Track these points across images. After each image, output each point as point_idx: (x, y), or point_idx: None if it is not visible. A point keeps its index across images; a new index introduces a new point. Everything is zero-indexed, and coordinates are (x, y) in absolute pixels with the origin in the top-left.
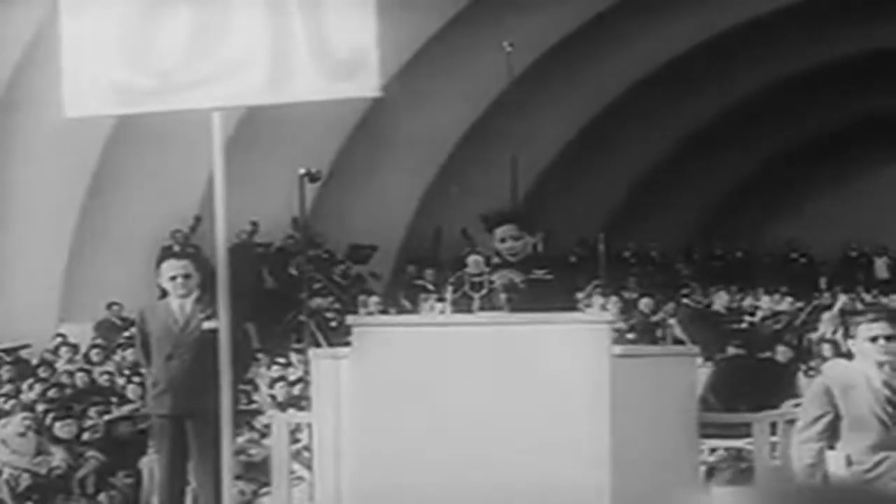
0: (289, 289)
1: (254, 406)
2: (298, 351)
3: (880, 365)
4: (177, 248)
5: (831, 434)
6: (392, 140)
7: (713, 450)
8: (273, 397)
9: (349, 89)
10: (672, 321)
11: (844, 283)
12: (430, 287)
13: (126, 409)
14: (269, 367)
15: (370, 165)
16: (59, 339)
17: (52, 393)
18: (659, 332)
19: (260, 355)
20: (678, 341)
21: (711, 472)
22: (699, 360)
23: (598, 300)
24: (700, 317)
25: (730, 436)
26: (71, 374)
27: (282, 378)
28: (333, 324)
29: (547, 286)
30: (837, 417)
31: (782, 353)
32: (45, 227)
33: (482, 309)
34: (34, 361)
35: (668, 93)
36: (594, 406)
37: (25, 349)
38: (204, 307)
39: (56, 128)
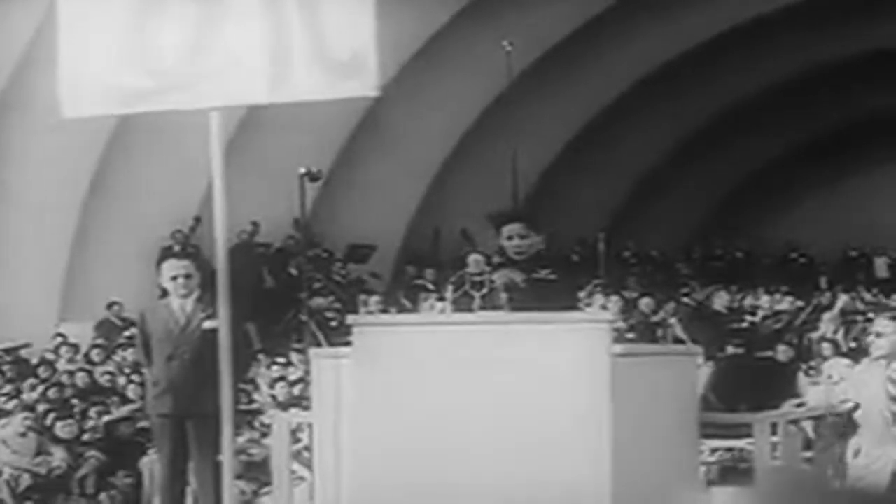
0: (289, 289)
1: (254, 406)
2: (299, 351)
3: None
4: (177, 249)
5: None
6: (392, 140)
7: (714, 450)
8: (273, 397)
9: (348, 88)
10: (672, 321)
11: (844, 283)
12: (430, 286)
13: (126, 409)
14: (269, 367)
15: (370, 165)
16: (59, 339)
17: (52, 393)
18: (659, 332)
19: (260, 355)
20: (678, 341)
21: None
22: (699, 360)
23: (598, 300)
24: (700, 316)
25: (730, 436)
26: (71, 374)
27: (282, 378)
28: (333, 323)
29: (550, 286)
30: None
31: (783, 353)
32: (45, 227)
33: (483, 308)
34: (34, 361)
35: (668, 93)
36: (594, 406)
37: (25, 349)
38: (204, 307)
39: (56, 128)
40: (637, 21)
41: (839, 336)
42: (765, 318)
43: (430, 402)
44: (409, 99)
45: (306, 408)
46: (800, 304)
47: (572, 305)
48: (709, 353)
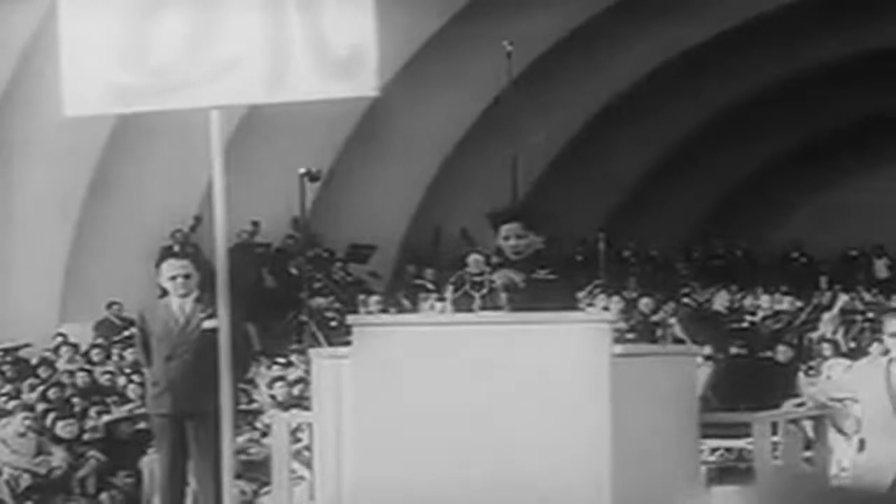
0: (289, 289)
1: (254, 406)
2: (298, 352)
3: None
4: (177, 248)
5: None
6: (392, 140)
7: (714, 450)
8: (273, 397)
9: (348, 89)
10: (672, 321)
11: (844, 283)
12: (430, 286)
13: (126, 408)
14: (269, 368)
15: (370, 165)
16: (59, 339)
17: (52, 393)
18: (659, 332)
19: (260, 356)
20: (678, 341)
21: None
22: (699, 360)
23: (600, 300)
24: (700, 316)
25: (730, 436)
26: (71, 373)
27: (281, 378)
28: (334, 323)
29: (549, 286)
30: None
31: (783, 353)
32: (45, 227)
33: (483, 308)
34: (34, 361)
35: (668, 92)
36: (594, 406)
37: (26, 349)
38: (204, 307)
39: (56, 127)
40: (637, 21)
41: (839, 336)
42: (765, 318)
43: (429, 401)
44: (409, 99)
45: (306, 408)
46: (800, 304)
47: (572, 305)
48: (709, 353)
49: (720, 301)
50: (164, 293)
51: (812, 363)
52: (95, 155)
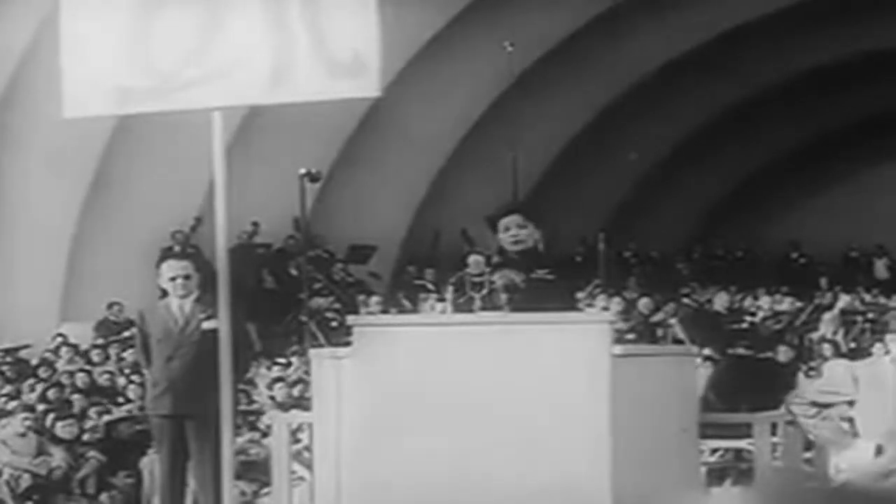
0: (289, 289)
1: (254, 406)
2: (298, 353)
3: None
4: (177, 249)
5: None
6: (392, 140)
7: (714, 450)
8: (272, 398)
9: (349, 89)
10: (672, 321)
11: (845, 283)
12: (431, 287)
13: (126, 409)
14: (269, 369)
15: (370, 165)
16: (59, 339)
17: (52, 393)
18: (659, 333)
19: (260, 357)
20: (678, 341)
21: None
22: (699, 360)
23: (600, 300)
24: (701, 317)
25: (730, 436)
26: (71, 374)
27: (281, 379)
28: (334, 324)
29: (548, 286)
30: None
31: (783, 353)
32: (45, 228)
33: (483, 309)
34: (34, 361)
35: (668, 93)
36: (594, 406)
37: (25, 349)
38: (204, 307)
39: (57, 128)
40: (637, 21)
41: (839, 337)
42: (765, 318)
43: (430, 402)
44: (409, 99)
45: (306, 408)
46: (800, 304)
47: (571, 306)
48: (709, 353)
49: (720, 302)
50: (165, 294)
51: (812, 364)
52: (95, 155)
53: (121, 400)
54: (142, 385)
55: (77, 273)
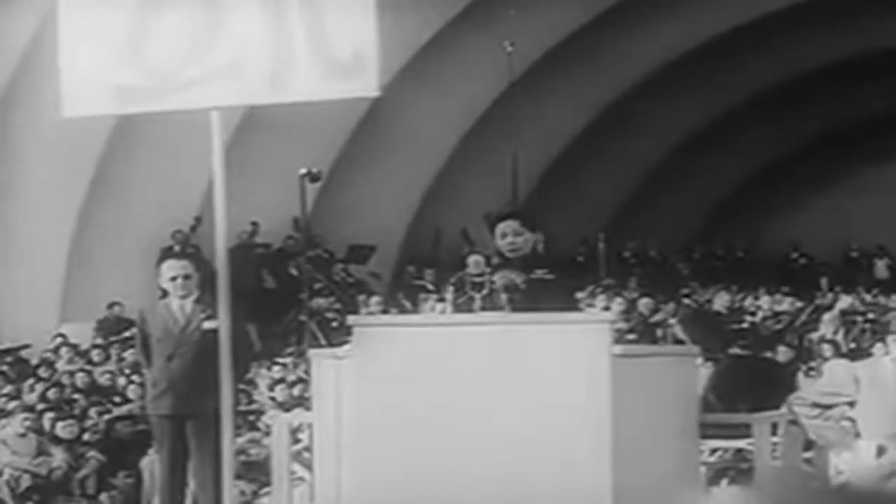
0: (289, 289)
1: (254, 406)
2: (298, 353)
3: None
4: (177, 249)
5: None
6: (392, 140)
7: (714, 450)
8: (273, 398)
9: (349, 89)
10: (673, 321)
11: (845, 283)
12: (431, 287)
13: (126, 409)
14: (268, 369)
15: (370, 165)
16: (59, 339)
17: (52, 393)
18: (659, 333)
19: (260, 358)
20: (679, 342)
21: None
22: (699, 360)
23: (600, 300)
24: (701, 317)
25: (730, 436)
26: (71, 374)
27: (282, 380)
28: (334, 324)
29: (547, 286)
30: None
31: (783, 354)
32: (45, 228)
33: (483, 309)
34: (34, 361)
35: (669, 93)
36: (594, 406)
37: (25, 349)
38: (204, 307)
39: (56, 128)
40: (637, 21)
41: (839, 337)
42: (765, 318)
43: (430, 402)
44: (409, 99)
45: (306, 409)
46: (800, 304)
47: (571, 306)
48: (710, 353)
49: (720, 302)
50: (165, 294)
51: (812, 364)
52: (95, 155)
53: (121, 400)
54: (142, 385)
55: (77, 273)
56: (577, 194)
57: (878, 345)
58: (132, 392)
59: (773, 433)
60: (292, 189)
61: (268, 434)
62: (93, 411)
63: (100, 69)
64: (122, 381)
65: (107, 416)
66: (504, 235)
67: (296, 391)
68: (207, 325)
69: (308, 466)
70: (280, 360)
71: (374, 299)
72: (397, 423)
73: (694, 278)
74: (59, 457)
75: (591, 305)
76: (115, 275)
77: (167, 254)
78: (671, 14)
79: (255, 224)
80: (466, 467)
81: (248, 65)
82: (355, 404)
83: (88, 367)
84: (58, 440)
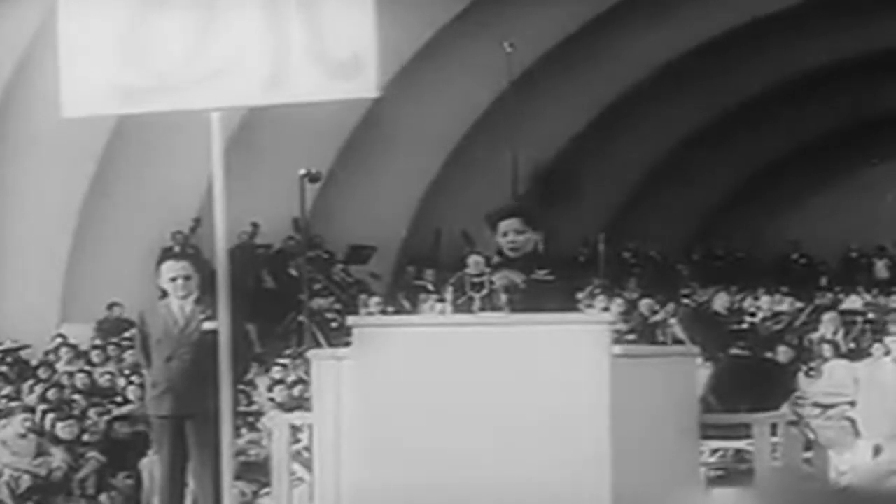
0: (289, 290)
1: (254, 407)
2: (297, 354)
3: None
4: (177, 250)
5: None
6: (392, 140)
7: (714, 450)
8: (272, 399)
9: (348, 89)
10: (673, 321)
11: (845, 283)
12: (430, 287)
13: (126, 409)
14: (268, 370)
15: (370, 165)
16: (59, 340)
17: (52, 394)
18: (659, 333)
19: (260, 358)
20: (679, 342)
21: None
22: (699, 361)
23: (600, 301)
24: (701, 317)
25: (730, 436)
26: (71, 374)
27: (281, 381)
28: (334, 324)
29: (547, 286)
30: None
31: (783, 354)
32: (45, 228)
33: (483, 309)
34: (34, 362)
35: (669, 93)
36: (594, 406)
37: (25, 350)
38: (204, 308)
39: (56, 128)
40: (637, 21)
41: (839, 337)
42: (765, 319)
43: (430, 402)
44: (409, 99)
45: (306, 409)
46: (800, 304)
47: (571, 306)
48: (710, 354)
49: (720, 302)
50: (165, 294)
51: (812, 364)
52: (95, 155)
53: (121, 400)
54: (142, 386)
55: (77, 273)
56: (576, 194)
57: (877, 345)
58: (132, 393)
59: (773, 434)
60: (292, 189)
61: (268, 434)
62: (92, 412)
63: (99, 69)
64: (121, 381)
65: (106, 417)
66: (505, 233)
67: (295, 392)
68: (207, 325)
69: (308, 467)
70: (280, 360)
71: (374, 300)
72: (397, 424)
73: (694, 279)
74: (58, 457)
75: (590, 306)
76: (115, 275)
77: (167, 254)
78: (670, 14)
79: (255, 225)
80: (466, 467)
81: (247, 65)
82: (355, 404)
83: (88, 368)
84: (58, 441)
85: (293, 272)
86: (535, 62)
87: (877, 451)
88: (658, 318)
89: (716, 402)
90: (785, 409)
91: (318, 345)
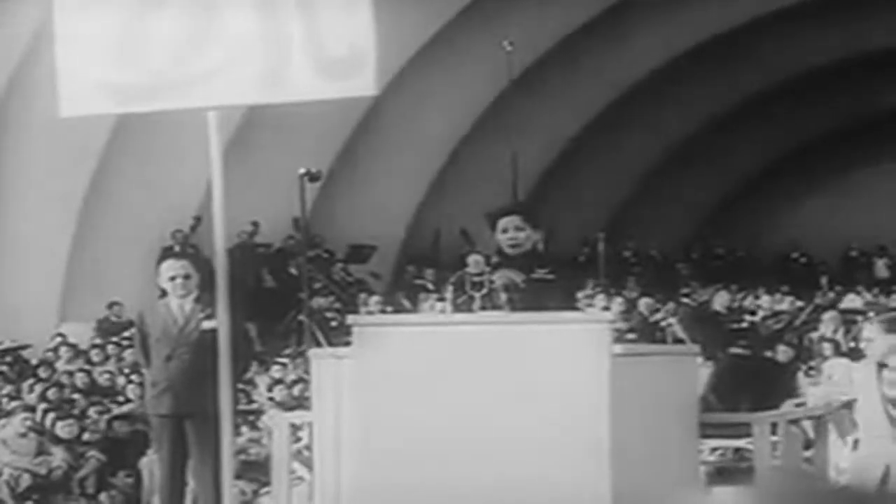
0: (289, 289)
1: (254, 405)
2: (297, 354)
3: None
4: (177, 249)
5: None
6: (392, 140)
7: (714, 450)
8: (272, 398)
9: (346, 88)
10: (673, 321)
11: (844, 282)
12: (430, 287)
13: (126, 408)
14: (267, 370)
15: (370, 165)
16: (59, 339)
17: (52, 393)
18: (659, 333)
19: (260, 358)
20: (679, 341)
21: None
22: (699, 360)
23: (600, 300)
24: (701, 317)
25: (730, 436)
26: (71, 374)
27: (281, 381)
28: (334, 324)
29: (548, 285)
30: None
31: (783, 353)
32: (45, 227)
33: (483, 309)
34: (34, 361)
35: (668, 92)
36: (594, 406)
37: (26, 349)
38: (203, 307)
39: (56, 128)
40: (637, 21)
41: (839, 336)
42: (765, 318)
43: (429, 402)
44: (409, 99)
45: (306, 408)
46: (800, 303)
47: (571, 305)
48: (710, 353)
49: (720, 301)
50: (164, 293)
51: (812, 363)
52: (95, 155)
53: (121, 399)
54: (141, 385)
55: (77, 273)
56: (576, 194)
57: None
58: (132, 392)
59: (773, 432)
60: (292, 189)
61: (268, 433)
62: (92, 411)
63: (97, 69)
64: (121, 380)
65: (106, 416)
66: (505, 231)
67: (295, 391)
68: (207, 324)
69: (308, 466)
70: (280, 359)
71: (374, 299)
72: (397, 423)
73: (694, 278)
74: (58, 456)
75: (590, 306)
76: (115, 275)
77: (167, 253)
78: (670, 14)
79: (255, 224)
80: (466, 466)
81: (245, 64)
82: (355, 404)
83: (88, 367)
84: (57, 440)
85: (293, 271)
86: (535, 62)
87: (855, 445)
88: (658, 317)
89: (716, 400)
90: (785, 407)
91: (318, 344)
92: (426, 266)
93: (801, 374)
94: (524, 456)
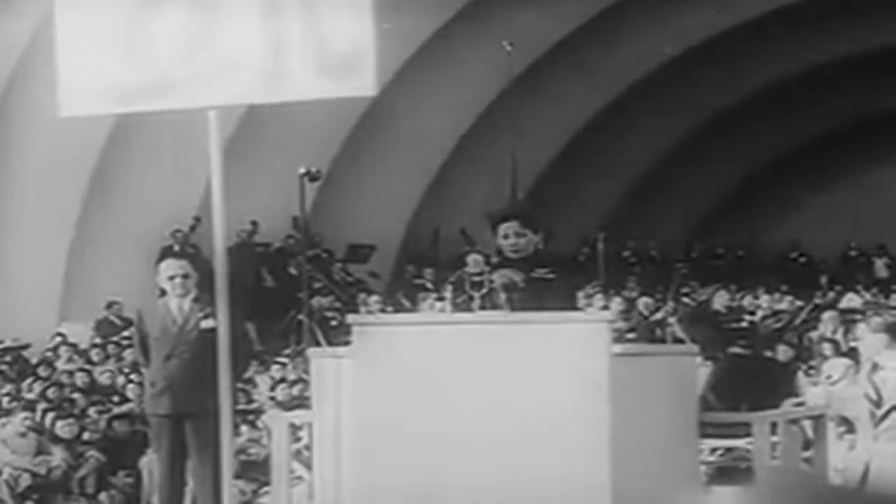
0: (288, 288)
1: (254, 405)
2: (296, 353)
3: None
4: (176, 248)
5: None
6: (392, 140)
7: (713, 449)
8: (272, 398)
9: (346, 88)
10: (672, 320)
11: (844, 282)
12: (430, 286)
13: (125, 408)
14: (267, 369)
15: (370, 165)
16: (59, 339)
17: (51, 392)
18: (659, 332)
19: (260, 357)
20: (678, 341)
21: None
22: (699, 359)
23: (599, 300)
24: (701, 316)
25: (730, 435)
26: (71, 373)
27: (282, 380)
28: (333, 323)
29: (548, 285)
30: None
31: (783, 353)
32: (45, 227)
33: (482, 308)
34: (34, 361)
35: (668, 92)
36: (594, 406)
37: (25, 349)
38: (202, 306)
39: (55, 128)
40: (637, 20)
41: (839, 335)
42: (765, 317)
43: (429, 401)
44: (408, 99)
45: (306, 408)
46: (800, 303)
47: (571, 305)
48: (709, 352)
49: (720, 301)
50: (163, 293)
51: (812, 363)
52: (95, 155)
53: (120, 399)
54: (141, 384)
55: (77, 273)
56: (576, 194)
57: None
58: (131, 391)
59: (773, 432)
60: (292, 188)
61: (268, 433)
62: (92, 410)
63: (97, 68)
64: (121, 380)
65: (106, 416)
66: (506, 237)
67: (295, 390)
68: (206, 324)
69: (308, 465)
70: (279, 359)
71: (374, 298)
72: (397, 423)
73: (693, 277)
74: (58, 456)
75: (589, 305)
76: (115, 274)
77: (166, 253)
78: (670, 13)
79: (254, 223)
80: (466, 466)
81: (245, 64)
82: (355, 404)
83: (88, 367)
84: (57, 439)
85: (293, 271)
86: (535, 62)
87: (842, 435)
88: (658, 316)
89: (715, 400)
90: (785, 407)
91: (318, 343)
92: (426, 265)
93: (800, 374)
94: (524, 455)
